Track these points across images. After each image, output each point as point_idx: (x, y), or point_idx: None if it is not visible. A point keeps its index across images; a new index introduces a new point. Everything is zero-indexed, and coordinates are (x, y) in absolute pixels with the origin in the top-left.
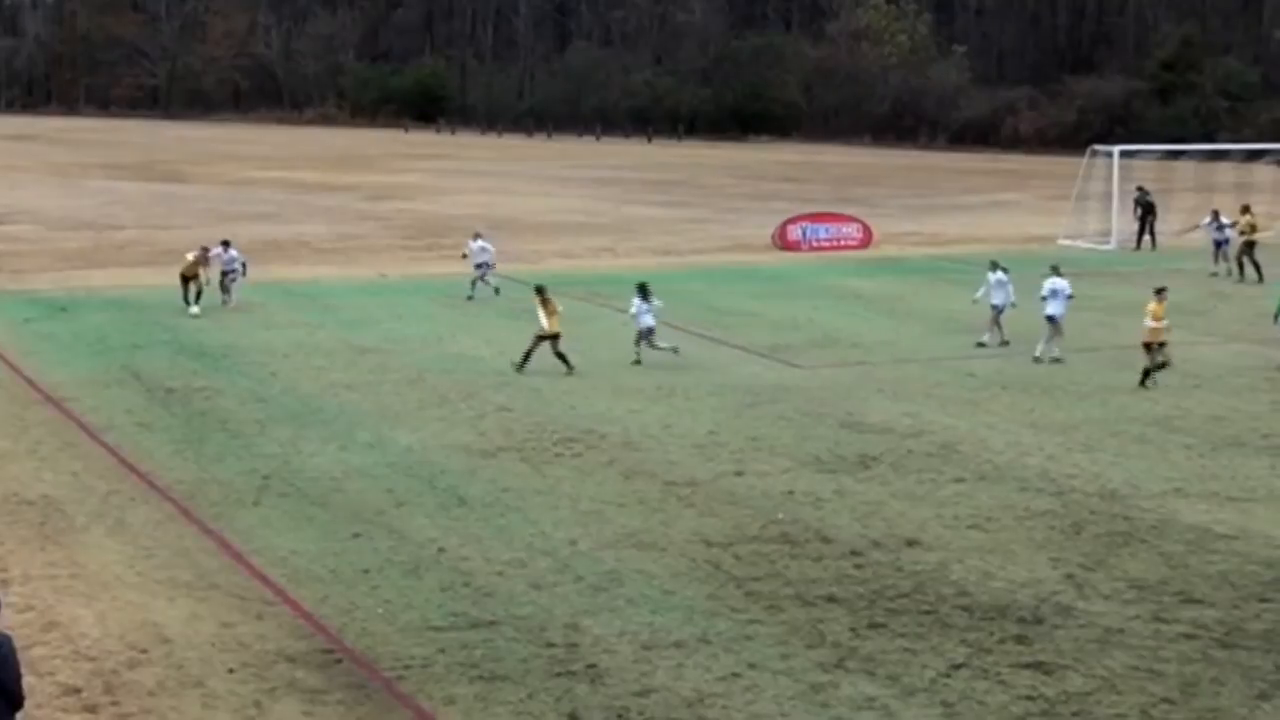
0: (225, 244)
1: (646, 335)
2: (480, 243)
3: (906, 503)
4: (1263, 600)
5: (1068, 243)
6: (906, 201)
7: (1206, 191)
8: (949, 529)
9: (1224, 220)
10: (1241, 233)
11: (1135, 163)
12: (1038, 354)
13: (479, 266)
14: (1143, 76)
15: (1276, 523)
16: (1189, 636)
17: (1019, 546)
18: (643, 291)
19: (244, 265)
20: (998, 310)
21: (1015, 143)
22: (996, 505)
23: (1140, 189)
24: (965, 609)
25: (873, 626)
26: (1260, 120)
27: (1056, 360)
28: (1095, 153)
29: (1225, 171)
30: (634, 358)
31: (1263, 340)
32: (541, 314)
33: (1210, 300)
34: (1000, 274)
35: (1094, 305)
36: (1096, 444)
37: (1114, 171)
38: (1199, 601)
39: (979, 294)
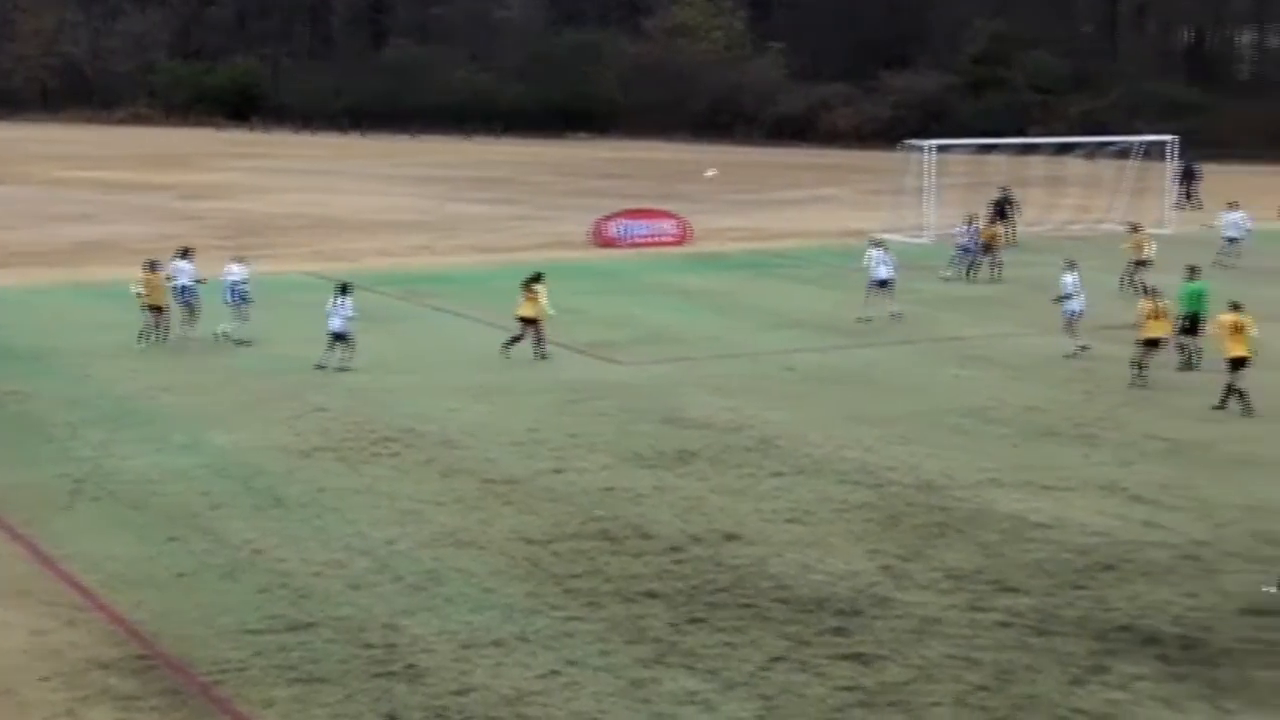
0: (184, 252)
1: (339, 339)
2: (182, 262)
3: (726, 497)
4: (1076, 587)
5: (885, 237)
6: (725, 197)
7: (1019, 186)
8: (768, 523)
9: (977, 226)
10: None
11: (949, 157)
12: (1069, 351)
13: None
14: (956, 71)
15: (1090, 511)
16: (1005, 624)
17: (837, 539)
18: (343, 291)
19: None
20: (880, 283)
21: (832, 138)
22: (815, 499)
23: (1002, 188)
24: (784, 602)
25: (692, 621)
26: (1071, 113)
27: (1084, 349)
28: (909, 147)
29: (1036, 165)
30: (332, 365)
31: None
32: (527, 300)
33: (1028, 292)
34: (880, 251)
35: (909, 298)
36: (914, 436)
37: (928, 166)
38: (1014, 590)
39: (864, 263)
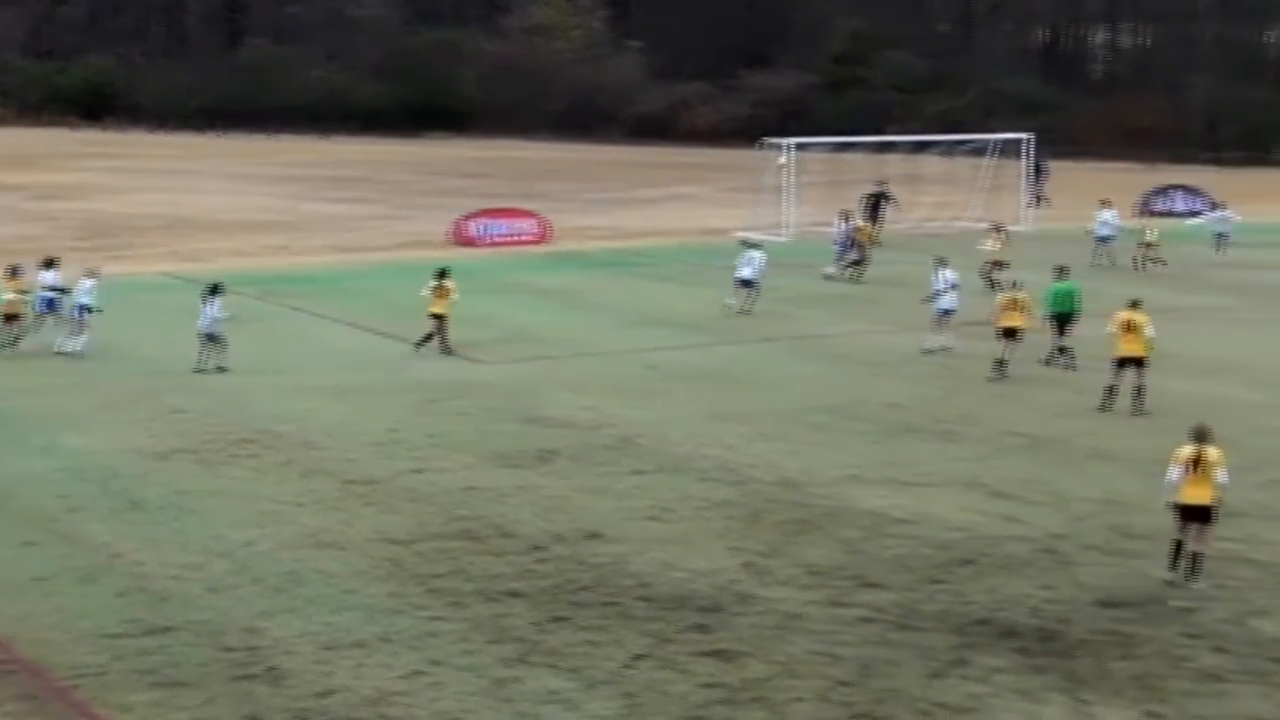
0: (48, 263)
1: (210, 340)
2: (47, 273)
3: (587, 496)
4: (936, 582)
5: (745, 235)
6: (586, 196)
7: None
8: (629, 521)
9: (858, 222)
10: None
11: (808, 155)
12: (929, 346)
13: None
14: (815, 71)
15: (949, 506)
16: (866, 620)
17: (699, 536)
18: (214, 291)
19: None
20: (742, 283)
21: (692, 137)
22: (676, 496)
23: (878, 183)
24: (646, 600)
25: (555, 620)
26: (928, 112)
27: (946, 349)
28: (768, 145)
29: (895, 163)
30: (210, 367)
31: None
32: (436, 297)
33: (886, 289)
34: (754, 252)
35: (770, 295)
36: (775, 433)
37: (787, 164)
38: (875, 585)
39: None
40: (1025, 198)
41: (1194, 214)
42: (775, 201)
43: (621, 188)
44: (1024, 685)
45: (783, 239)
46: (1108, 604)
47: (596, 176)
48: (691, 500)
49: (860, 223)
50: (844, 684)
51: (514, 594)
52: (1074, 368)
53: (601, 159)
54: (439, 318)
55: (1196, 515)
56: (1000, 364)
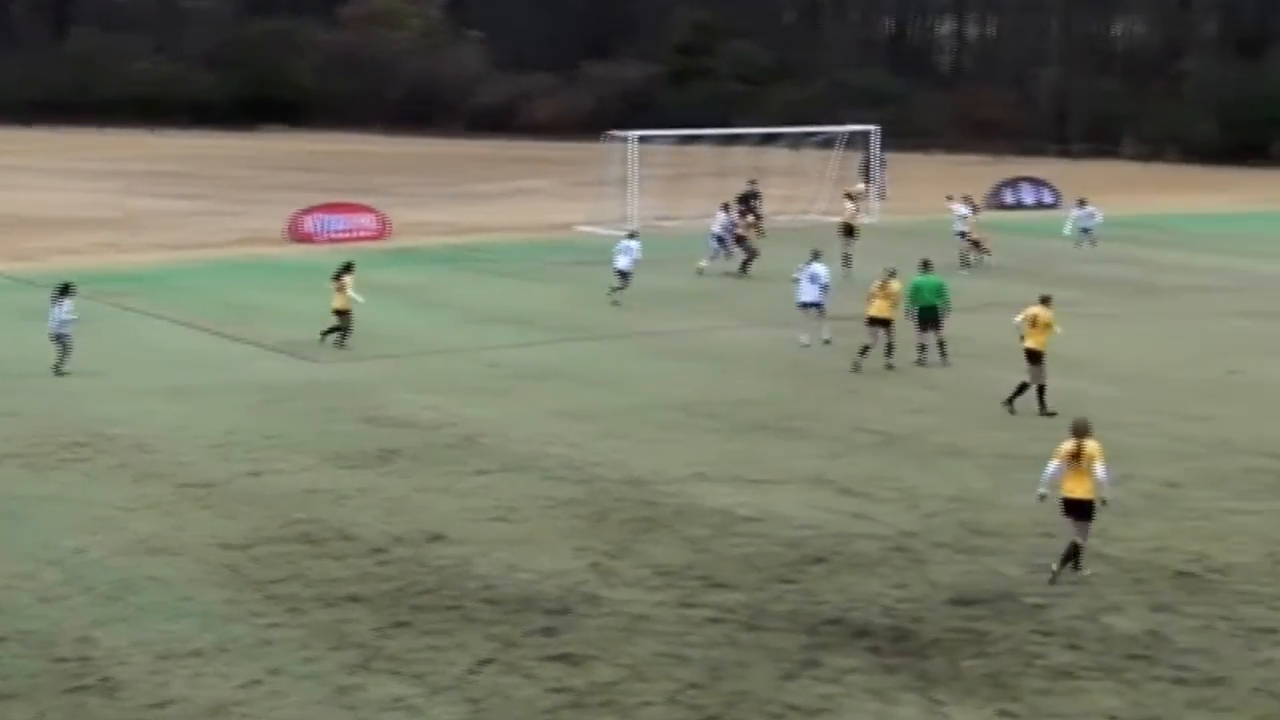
0: None
1: (57, 340)
2: None
3: (430, 496)
4: (785, 581)
5: (588, 229)
6: (426, 190)
7: (722, 176)
8: (473, 522)
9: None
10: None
11: (653, 148)
12: (804, 341)
13: None
14: (659, 61)
15: (799, 504)
16: (715, 620)
17: (544, 537)
18: (63, 291)
19: None
20: (619, 273)
21: (534, 129)
22: (521, 496)
23: (750, 181)
24: (491, 603)
25: (398, 625)
26: (775, 103)
27: (805, 345)
28: (612, 138)
29: (741, 155)
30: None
31: (784, 323)
32: (337, 292)
33: (732, 284)
34: (630, 242)
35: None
36: (621, 431)
37: (631, 157)
38: (724, 585)
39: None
40: (874, 189)
41: (1043, 206)
42: (620, 195)
43: (462, 182)
44: (876, 685)
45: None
46: (960, 602)
47: (436, 170)
48: (536, 500)
49: (748, 219)
50: (693, 686)
51: (355, 599)
52: (942, 363)
53: (441, 152)
54: (341, 313)
55: (1076, 510)
56: (863, 351)
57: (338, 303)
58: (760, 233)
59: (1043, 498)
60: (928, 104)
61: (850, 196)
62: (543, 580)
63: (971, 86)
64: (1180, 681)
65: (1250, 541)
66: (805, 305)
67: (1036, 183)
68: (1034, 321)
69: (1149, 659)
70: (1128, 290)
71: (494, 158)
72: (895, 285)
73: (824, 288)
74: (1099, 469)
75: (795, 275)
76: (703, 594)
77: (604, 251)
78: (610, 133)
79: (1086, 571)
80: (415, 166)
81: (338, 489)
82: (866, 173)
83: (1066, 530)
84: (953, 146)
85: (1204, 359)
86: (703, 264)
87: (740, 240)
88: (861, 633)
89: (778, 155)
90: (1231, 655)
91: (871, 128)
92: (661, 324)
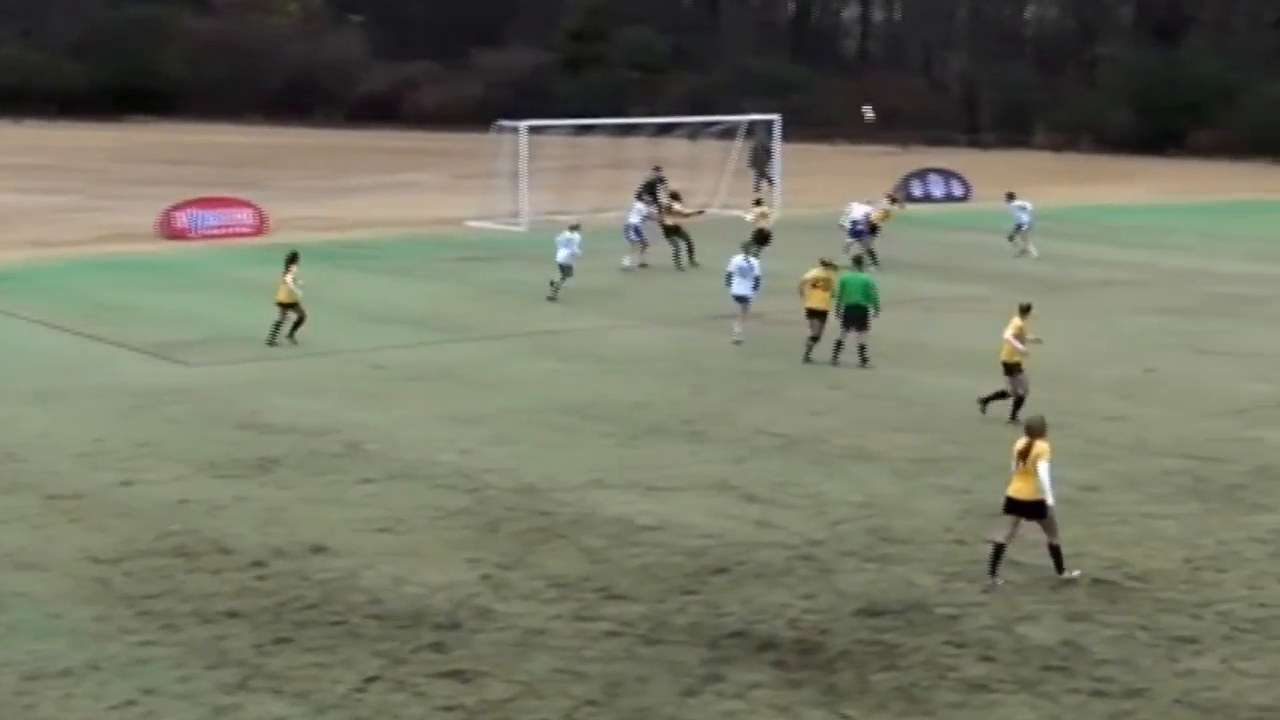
0: None
1: None
2: None
3: (312, 507)
4: (686, 593)
5: (477, 224)
6: (305, 184)
7: (618, 168)
8: (358, 533)
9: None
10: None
11: (545, 139)
12: (737, 336)
13: None
14: (551, 48)
15: (700, 511)
16: (613, 634)
17: (433, 548)
18: None
19: None
20: (561, 267)
21: (419, 119)
22: (408, 506)
23: (655, 168)
24: (378, 618)
25: (279, 641)
26: (672, 92)
27: (737, 342)
28: (502, 129)
29: (637, 146)
30: None
31: (681, 322)
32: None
33: (626, 281)
34: (572, 234)
35: (505, 289)
36: (512, 436)
37: (522, 148)
38: (622, 597)
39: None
40: (765, 182)
41: (953, 199)
42: (510, 189)
43: (344, 174)
44: (782, 700)
45: (519, 228)
46: (869, 613)
47: (317, 163)
48: (425, 509)
49: (676, 207)
50: (590, 704)
51: (233, 614)
52: (861, 366)
53: (322, 144)
54: (287, 306)
55: (1020, 509)
56: (812, 340)
57: (282, 295)
58: (688, 217)
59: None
60: (831, 92)
61: (759, 203)
62: (432, 594)
63: (877, 73)
64: (1098, 694)
65: (1169, 546)
66: (737, 299)
67: (946, 174)
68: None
69: (1066, 670)
70: (1041, 286)
71: (377, 149)
72: (832, 275)
73: (756, 281)
74: (1042, 470)
75: (729, 269)
76: (600, 606)
77: (494, 247)
78: (500, 123)
79: (1076, 572)
80: (294, 159)
81: (214, 499)
82: (760, 169)
83: (1006, 534)
84: (857, 136)
85: (1120, 357)
86: (626, 262)
87: (674, 231)
88: (766, 646)
89: (676, 146)
90: (1151, 666)
91: (773, 117)
92: (554, 323)
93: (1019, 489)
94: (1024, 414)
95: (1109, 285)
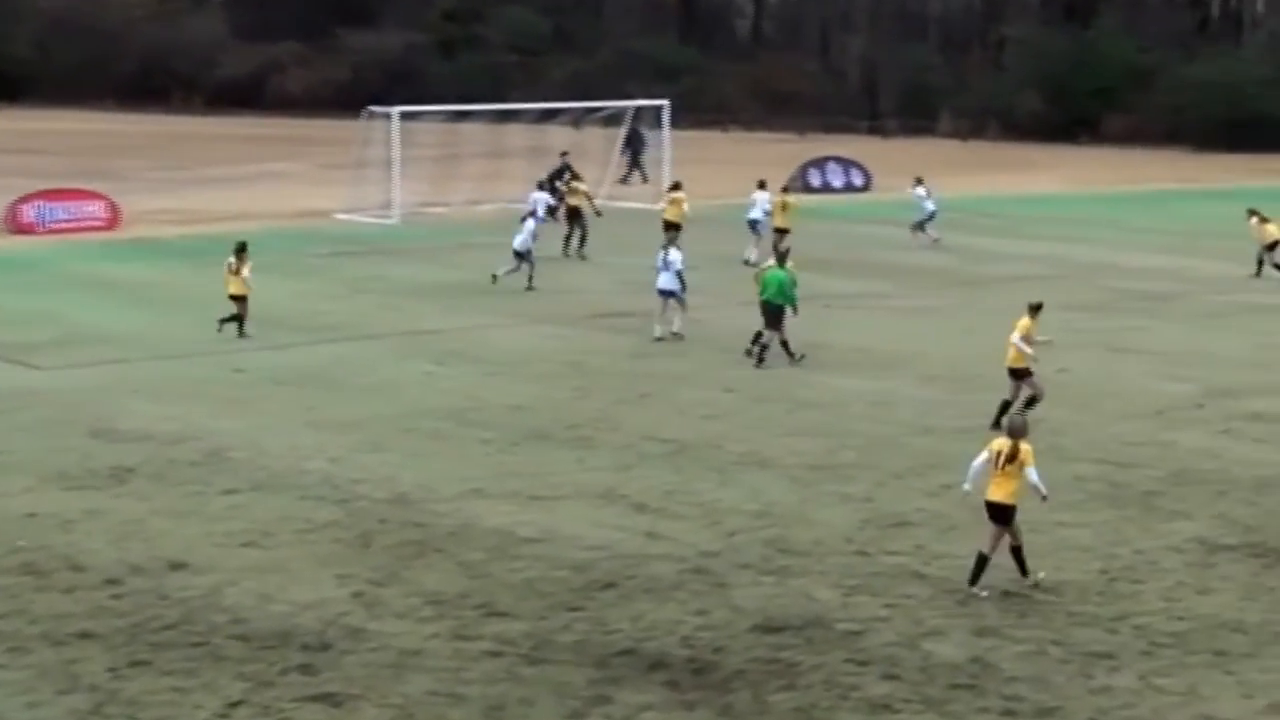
0: None
1: None
2: None
3: (170, 520)
4: (572, 609)
5: (347, 217)
6: (161, 174)
7: (497, 157)
8: (220, 548)
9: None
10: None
11: (419, 125)
12: (658, 334)
13: None
14: (424, 29)
15: (586, 522)
16: (494, 654)
17: (301, 564)
18: None
19: None
20: (516, 254)
21: (284, 104)
22: (274, 518)
23: (562, 154)
24: (242, 638)
25: (135, 665)
26: (554, 75)
27: (677, 335)
28: (373, 115)
29: (518, 133)
30: None
31: (564, 321)
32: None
33: (505, 277)
34: (532, 221)
35: (377, 287)
36: (385, 443)
37: (394, 136)
38: (503, 614)
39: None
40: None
41: (853, 189)
42: (382, 179)
43: (204, 164)
44: None
45: (391, 221)
46: (766, 629)
47: (174, 152)
48: (292, 522)
49: (580, 187)
50: None
51: (86, 636)
52: (790, 363)
53: (179, 131)
54: (239, 299)
55: (997, 514)
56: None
57: (234, 288)
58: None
59: (967, 494)
60: (723, 76)
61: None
62: (300, 612)
63: (772, 56)
64: (1009, 713)
65: (1083, 557)
66: (662, 293)
67: (846, 163)
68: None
69: (974, 689)
70: (945, 281)
71: (239, 137)
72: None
73: (678, 274)
74: (1032, 473)
75: (656, 264)
76: (480, 624)
77: (365, 241)
78: (371, 109)
79: (1040, 575)
80: (150, 147)
81: (64, 513)
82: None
83: (985, 537)
84: (752, 123)
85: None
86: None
87: (575, 215)
88: (657, 665)
89: (559, 133)
90: (1064, 683)
91: (661, 102)
92: (423, 322)
93: (1001, 492)
94: (1029, 414)
95: (1018, 280)
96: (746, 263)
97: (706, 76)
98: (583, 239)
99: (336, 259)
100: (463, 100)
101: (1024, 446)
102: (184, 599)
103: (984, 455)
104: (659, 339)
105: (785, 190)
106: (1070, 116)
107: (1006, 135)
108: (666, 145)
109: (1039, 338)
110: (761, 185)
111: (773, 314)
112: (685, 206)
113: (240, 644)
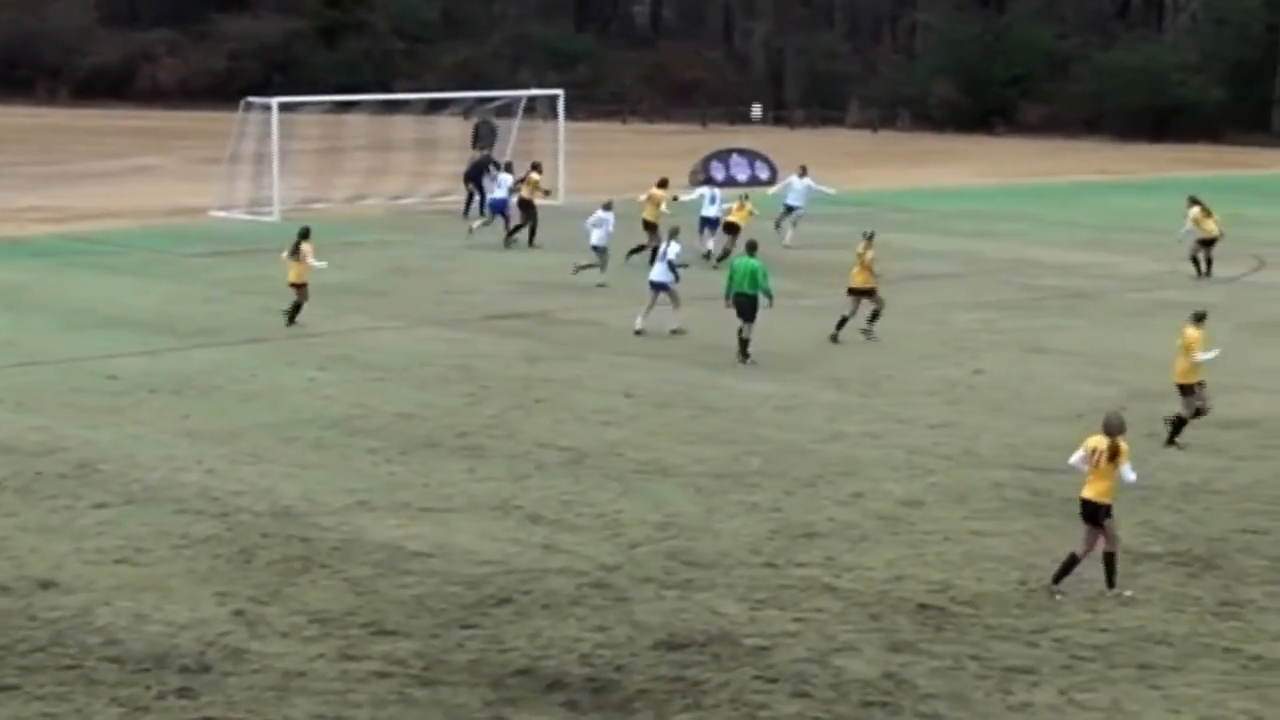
0: None
1: None
2: None
3: (38, 536)
4: (466, 626)
5: (222, 214)
6: (25, 169)
7: (383, 150)
8: (92, 565)
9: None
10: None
11: (299, 117)
12: (638, 326)
13: None
14: (305, 15)
15: (479, 535)
16: (383, 675)
17: (179, 581)
18: None
19: None
20: (598, 249)
21: (156, 95)
22: (149, 533)
23: (481, 146)
24: (116, 660)
25: (3, 689)
26: (443, 64)
27: (677, 332)
28: (250, 106)
29: (405, 125)
30: None
31: (453, 322)
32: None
33: (392, 277)
34: (605, 213)
35: (257, 289)
36: (266, 454)
37: (273, 127)
38: (393, 633)
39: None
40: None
41: (758, 182)
42: (261, 173)
43: (70, 159)
44: None
45: (270, 218)
46: (670, 646)
47: (40, 146)
48: (168, 537)
49: (535, 177)
50: None
51: None
52: (743, 359)
53: (44, 124)
54: (298, 286)
55: (1089, 513)
56: (843, 321)
57: (294, 275)
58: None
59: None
60: (622, 64)
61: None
62: (178, 632)
63: (672, 44)
64: None
65: (1000, 567)
66: (653, 286)
67: (750, 155)
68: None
69: (888, 706)
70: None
71: (108, 130)
72: (870, 253)
73: (670, 266)
74: (1127, 470)
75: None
76: (368, 644)
77: (242, 239)
78: (248, 99)
79: (1128, 592)
80: (13, 141)
81: None
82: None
83: (1079, 541)
84: (652, 113)
85: (945, 358)
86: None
87: (527, 207)
88: (555, 684)
89: (449, 125)
90: (982, 700)
91: (556, 92)
92: (311, 325)
93: (1093, 490)
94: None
95: (932, 278)
96: (707, 256)
97: (604, 65)
98: (532, 231)
99: (213, 259)
100: (346, 90)
101: (1123, 444)
102: (54, 619)
103: (1080, 453)
104: (639, 332)
105: (662, 182)
106: (985, 106)
107: (919, 126)
108: (561, 137)
109: (1203, 353)
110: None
111: (746, 306)
112: (663, 205)
113: (114, 666)
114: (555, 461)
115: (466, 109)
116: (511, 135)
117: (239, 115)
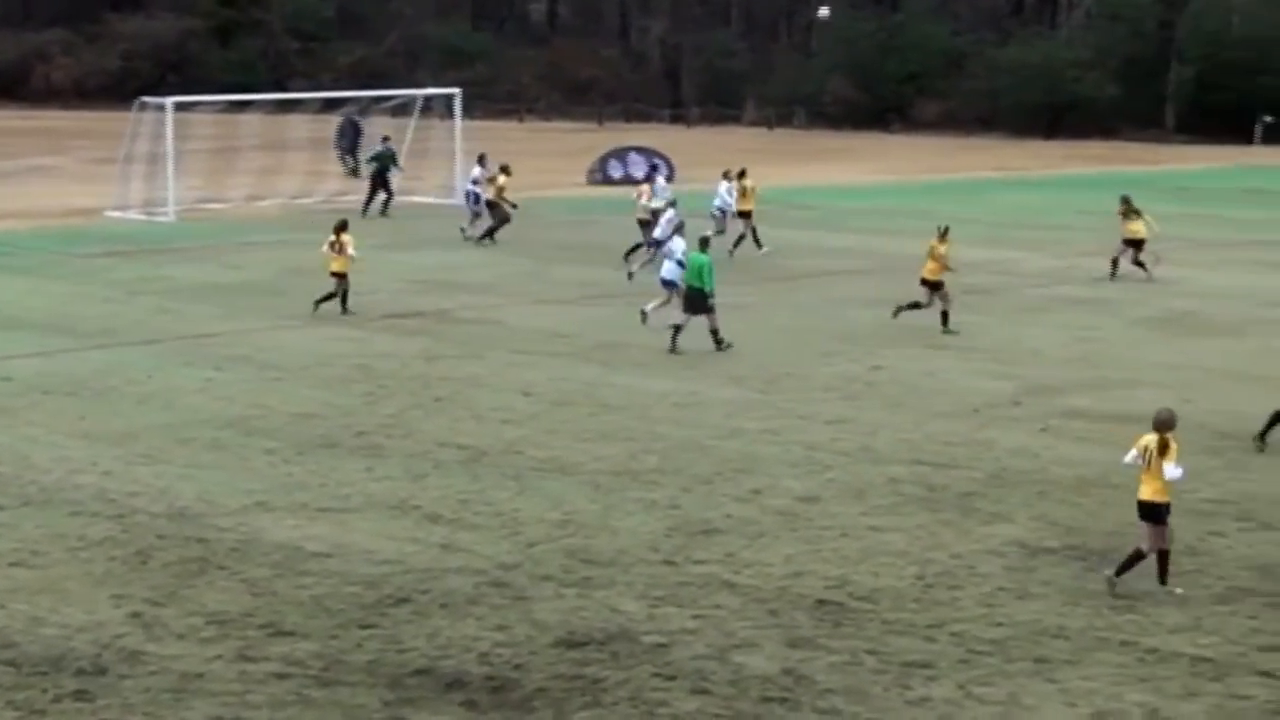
0: None
1: None
2: None
3: None
4: (364, 626)
5: (118, 215)
6: None
7: (279, 149)
8: None
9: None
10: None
11: (194, 116)
12: (654, 322)
13: None
14: (199, 14)
15: (377, 535)
16: (281, 676)
17: (74, 583)
18: None
19: None
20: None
21: (50, 95)
22: (44, 535)
23: (383, 139)
24: (11, 664)
25: None
26: (339, 63)
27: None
28: (145, 105)
29: (300, 125)
30: None
31: (352, 322)
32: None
33: (290, 277)
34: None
35: (153, 289)
36: (162, 454)
37: (168, 127)
38: (290, 634)
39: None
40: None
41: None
42: (156, 174)
43: None
44: None
45: (166, 219)
46: (569, 644)
47: None
48: (63, 540)
49: (501, 180)
50: None
51: None
52: (716, 349)
53: None
54: (340, 276)
55: (1147, 512)
56: (913, 306)
57: (336, 265)
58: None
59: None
60: (518, 62)
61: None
62: (73, 635)
63: (568, 42)
64: None
65: (898, 563)
66: (664, 283)
67: (647, 153)
68: None
69: (787, 702)
70: (754, 276)
71: (2, 130)
72: (943, 247)
73: (678, 264)
74: (1169, 467)
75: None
76: (266, 645)
77: (137, 240)
78: (142, 99)
79: (1178, 590)
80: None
81: None
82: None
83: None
84: (549, 111)
85: (843, 354)
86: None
87: (493, 207)
88: (454, 684)
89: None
90: (880, 694)
91: (453, 91)
92: (202, 326)
93: (1149, 490)
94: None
95: (830, 275)
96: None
97: (500, 63)
98: (492, 230)
99: (107, 260)
100: (241, 89)
101: (1173, 442)
102: None
103: (1132, 453)
104: (643, 318)
105: (741, 175)
106: (881, 103)
107: (815, 123)
108: (458, 136)
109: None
110: (725, 175)
111: (694, 299)
112: (645, 200)
113: (10, 670)
114: (453, 460)
115: (361, 108)
116: (407, 135)
117: (133, 115)
